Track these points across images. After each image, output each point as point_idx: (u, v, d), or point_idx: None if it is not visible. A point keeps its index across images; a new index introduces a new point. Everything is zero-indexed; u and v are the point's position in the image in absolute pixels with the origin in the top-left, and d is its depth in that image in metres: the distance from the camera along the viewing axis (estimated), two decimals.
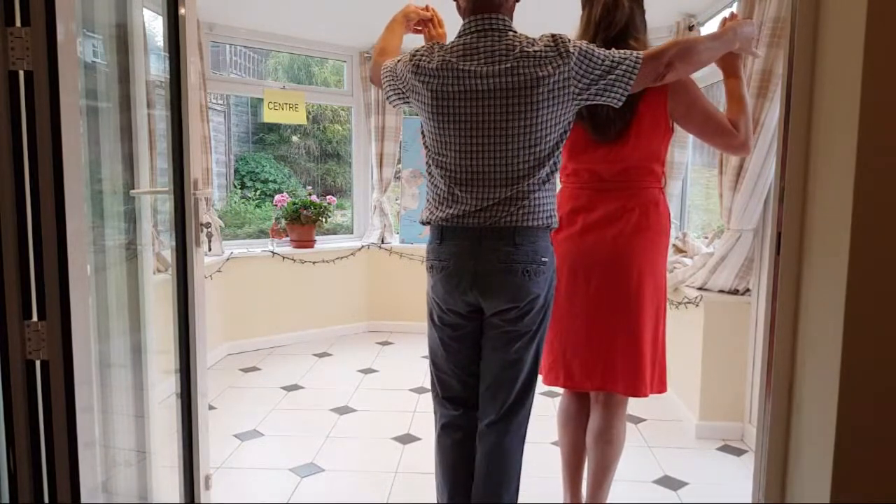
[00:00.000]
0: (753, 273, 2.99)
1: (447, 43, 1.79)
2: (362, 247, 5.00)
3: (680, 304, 3.29)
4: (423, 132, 1.87)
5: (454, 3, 1.82)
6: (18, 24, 1.42)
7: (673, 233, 4.00)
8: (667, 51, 1.73)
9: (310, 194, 4.92)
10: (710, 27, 3.83)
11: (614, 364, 2.03)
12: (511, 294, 1.77)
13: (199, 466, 2.05)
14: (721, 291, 3.06)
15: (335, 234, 5.29)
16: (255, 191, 8.47)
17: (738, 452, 2.94)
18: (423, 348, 4.54)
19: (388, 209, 5.11)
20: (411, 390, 3.73)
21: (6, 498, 1.51)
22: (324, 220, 4.86)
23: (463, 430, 1.94)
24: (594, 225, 2.02)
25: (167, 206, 2.03)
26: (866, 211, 1.38)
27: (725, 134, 1.91)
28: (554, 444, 2.99)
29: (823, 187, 1.56)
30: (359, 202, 5.30)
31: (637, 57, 1.71)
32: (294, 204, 4.76)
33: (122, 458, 2.00)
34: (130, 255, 2.08)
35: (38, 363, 1.50)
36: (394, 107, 1.95)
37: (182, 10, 1.90)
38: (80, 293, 1.51)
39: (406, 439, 3.05)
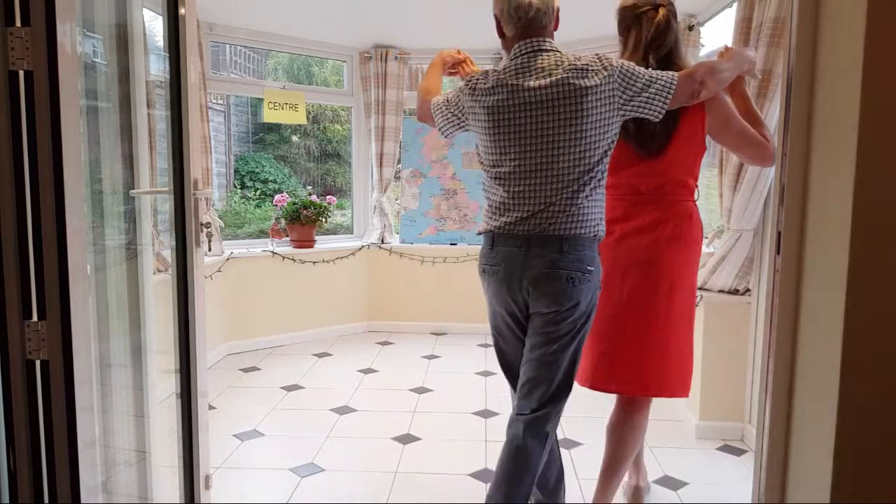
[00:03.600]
0: (753, 273, 2.99)
1: (502, 66, 1.93)
2: (362, 247, 5.00)
3: None
4: (478, 153, 2.01)
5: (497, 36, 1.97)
6: (18, 24, 1.42)
7: None
8: (697, 70, 1.91)
9: (310, 194, 4.92)
10: (710, 27, 3.84)
11: (642, 365, 2.10)
12: (554, 298, 1.88)
13: (199, 466, 2.05)
14: (721, 291, 3.06)
15: (335, 234, 5.29)
16: (255, 191, 8.47)
17: (738, 452, 2.94)
18: (422, 348, 4.55)
19: (388, 209, 5.11)
20: (411, 390, 3.73)
21: (6, 498, 1.51)
22: (324, 220, 4.86)
23: None
24: (630, 233, 2.11)
25: (167, 206, 2.03)
26: (866, 211, 1.38)
27: (759, 145, 2.03)
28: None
29: (823, 187, 1.56)
30: (359, 202, 5.30)
31: (673, 76, 1.87)
32: (294, 204, 4.76)
33: (122, 458, 2.00)
34: (130, 255, 2.08)
35: (38, 363, 1.50)
36: (446, 137, 2.14)
37: (182, 10, 1.90)
38: (80, 293, 1.51)
39: (406, 439, 3.05)
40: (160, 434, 2.13)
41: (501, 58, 4.90)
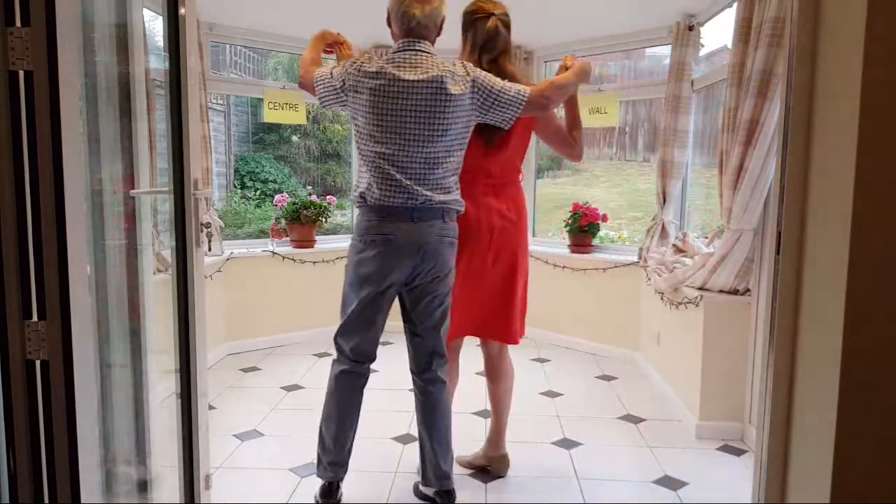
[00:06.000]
0: (753, 273, 2.99)
1: (384, 56, 2.21)
2: None
3: (680, 304, 3.29)
4: (357, 129, 2.25)
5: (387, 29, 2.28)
6: (18, 24, 1.42)
7: (673, 233, 4.00)
8: (546, 87, 2.28)
9: (310, 194, 4.92)
10: (710, 27, 3.84)
11: (510, 319, 2.58)
12: (442, 262, 2.28)
13: (199, 466, 2.05)
14: (721, 291, 3.06)
15: (335, 234, 5.28)
16: (255, 191, 8.45)
17: (738, 452, 2.94)
18: None
19: None
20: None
21: (6, 498, 1.51)
22: (324, 219, 4.86)
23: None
24: (486, 207, 2.51)
25: (167, 206, 2.03)
26: (866, 211, 1.38)
27: (569, 144, 2.52)
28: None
29: (823, 187, 1.56)
30: None
31: (524, 91, 2.22)
32: (294, 204, 4.76)
33: (122, 458, 2.00)
34: (130, 255, 2.08)
35: (38, 363, 1.50)
36: (324, 107, 2.39)
37: (182, 10, 1.90)
38: (80, 293, 1.51)
39: (406, 439, 3.05)
40: (160, 434, 2.13)
41: None
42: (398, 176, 2.16)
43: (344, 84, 2.22)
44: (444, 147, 2.19)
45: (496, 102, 2.20)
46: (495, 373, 2.71)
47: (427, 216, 2.19)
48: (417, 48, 2.19)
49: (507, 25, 2.45)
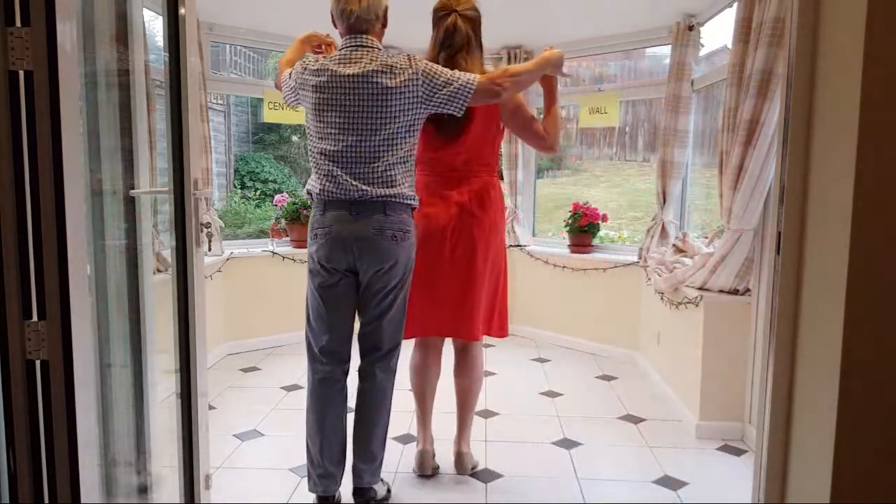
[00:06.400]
0: (753, 273, 2.99)
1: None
2: None
3: (680, 304, 3.29)
4: (307, 126, 2.30)
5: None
6: (18, 24, 1.42)
7: (673, 233, 4.00)
8: (498, 75, 2.25)
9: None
10: (710, 27, 3.84)
11: (470, 315, 2.52)
12: (380, 256, 2.25)
13: (199, 466, 2.05)
14: (721, 291, 3.06)
15: None
16: (255, 191, 8.45)
17: (738, 452, 2.94)
18: None
19: None
20: (410, 390, 3.72)
21: (6, 498, 1.51)
22: None
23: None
24: (445, 201, 2.49)
25: (167, 206, 2.03)
26: (866, 211, 1.38)
27: (538, 136, 2.47)
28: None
29: (823, 187, 1.56)
30: None
31: (472, 79, 2.20)
32: (294, 204, 4.76)
33: (122, 458, 2.00)
34: (130, 255, 2.08)
35: (38, 363, 1.50)
36: (288, 104, 2.50)
37: (182, 10, 1.90)
38: (80, 293, 1.51)
39: (406, 439, 3.05)
40: (160, 434, 2.13)
41: (501, 58, 4.90)
42: (336, 171, 2.19)
43: (295, 83, 2.29)
44: (385, 140, 2.19)
45: (441, 91, 2.18)
46: (458, 368, 2.68)
47: (366, 210, 2.19)
48: (358, 43, 2.21)
49: (472, 20, 2.44)
